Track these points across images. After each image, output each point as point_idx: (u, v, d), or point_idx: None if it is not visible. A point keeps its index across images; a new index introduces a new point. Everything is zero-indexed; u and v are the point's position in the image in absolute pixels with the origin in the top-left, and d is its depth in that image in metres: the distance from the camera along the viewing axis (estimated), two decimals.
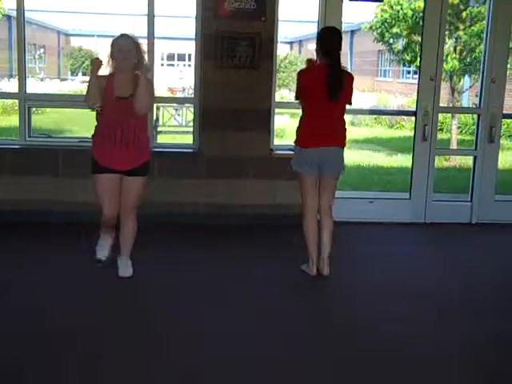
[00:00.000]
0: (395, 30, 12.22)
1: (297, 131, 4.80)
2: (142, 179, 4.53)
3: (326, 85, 4.52)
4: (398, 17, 12.03)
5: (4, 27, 21.09)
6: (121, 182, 4.48)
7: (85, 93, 4.43)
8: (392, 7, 12.01)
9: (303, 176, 4.76)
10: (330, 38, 4.67)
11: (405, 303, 4.42)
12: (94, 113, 4.45)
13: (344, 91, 4.60)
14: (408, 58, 12.32)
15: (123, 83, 4.35)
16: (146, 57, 4.56)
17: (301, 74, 4.80)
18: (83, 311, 4.05)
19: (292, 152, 5.34)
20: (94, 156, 4.49)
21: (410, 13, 11.85)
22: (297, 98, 4.82)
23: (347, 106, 4.76)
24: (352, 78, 4.71)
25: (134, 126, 4.40)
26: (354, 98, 4.78)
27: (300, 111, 4.81)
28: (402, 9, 11.93)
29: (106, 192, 4.48)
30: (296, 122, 4.82)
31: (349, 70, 4.77)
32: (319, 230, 4.79)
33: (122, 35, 4.46)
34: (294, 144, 4.81)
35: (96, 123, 4.50)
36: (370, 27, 12.85)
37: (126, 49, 4.34)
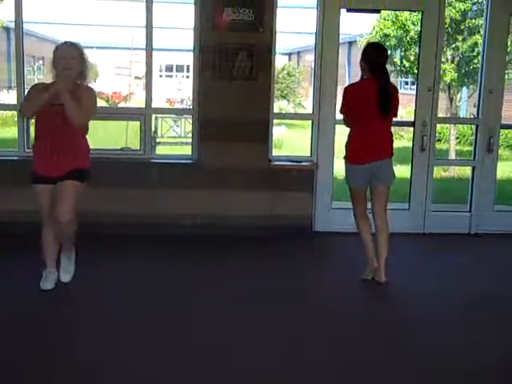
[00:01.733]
0: (393, 42, 12.27)
1: (346, 146, 4.85)
2: (74, 182, 4.28)
3: (377, 99, 4.58)
4: (398, 30, 12.10)
5: (3, 39, 21.14)
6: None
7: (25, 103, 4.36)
8: (393, 21, 12.07)
9: (355, 188, 4.84)
10: (376, 52, 4.73)
11: (404, 314, 4.43)
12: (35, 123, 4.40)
13: (393, 107, 4.68)
14: (406, 68, 12.38)
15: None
16: (89, 66, 4.38)
17: (348, 89, 4.85)
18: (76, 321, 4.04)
19: (292, 163, 5.37)
20: (32, 165, 4.39)
21: (409, 25, 11.91)
22: (341, 112, 4.87)
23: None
24: (397, 91, 4.78)
25: (68, 133, 4.23)
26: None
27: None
28: (402, 22, 12.00)
29: (44, 202, 4.35)
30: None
31: (394, 84, 4.86)
32: (375, 237, 4.87)
33: (66, 43, 4.32)
34: (344, 159, 4.87)
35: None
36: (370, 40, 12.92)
37: (68, 57, 4.21)
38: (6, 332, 3.85)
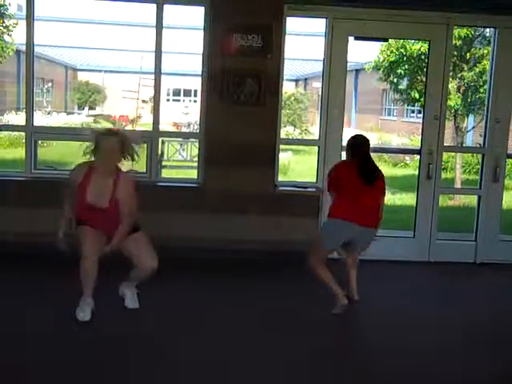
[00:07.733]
0: (399, 70, 12.33)
1: (331, 208, 4.87)
2: (139, 233, 4.58)
3: (360, 171, 4.70)
4: (403, 59, 12.15)
5: (14, 62, 21.38)
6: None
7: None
8: (398, 49, 12.13)
9: (331, 248, 4.88)
10: (358, 146, 4.85)
11: (405, 342, 4.39)
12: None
13: (379, 180, 4.80)
14: (412, 96, 12.41)
15: (101, 187, 4.35)
16: (131, 148, 4.44)
17: (333, 170, 4.96)
18: (85, 341, 4.04)
19: (298, 189, 5.34)
20: (75, 214, 4.51)
21: (415, 53, 11.97)
22: (328, 191, 5.00)
23: None
24: (382, 177, 4.87)
25: (114, 221, 4.39)
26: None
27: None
28: (406, 50, 12.06)
29: (89, 235, 4.40)
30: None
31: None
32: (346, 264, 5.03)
33: (106, 133, 4.46)
34: (328, 217, 4.87)
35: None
36: (375, 66, 12.99)
37: (109, 149, 4.33)
38: None
